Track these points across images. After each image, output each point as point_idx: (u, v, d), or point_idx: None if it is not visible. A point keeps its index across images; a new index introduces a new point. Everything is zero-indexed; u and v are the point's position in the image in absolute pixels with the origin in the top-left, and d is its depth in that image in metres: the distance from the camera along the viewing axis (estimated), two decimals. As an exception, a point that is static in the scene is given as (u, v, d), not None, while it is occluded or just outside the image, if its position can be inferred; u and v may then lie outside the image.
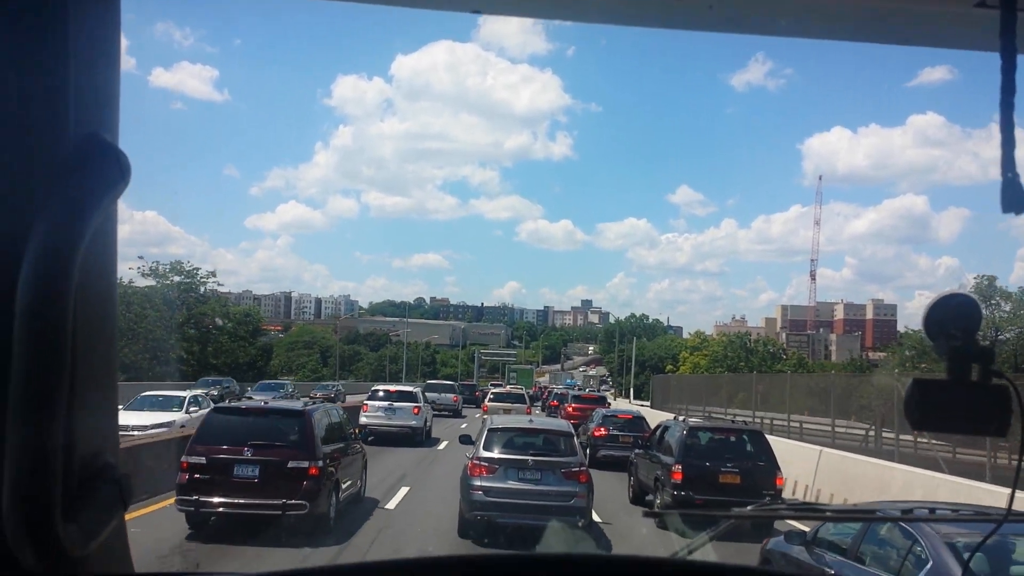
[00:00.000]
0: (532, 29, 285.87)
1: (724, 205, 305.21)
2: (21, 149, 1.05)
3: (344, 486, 12.84)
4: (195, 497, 11.01)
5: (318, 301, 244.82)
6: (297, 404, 13.52)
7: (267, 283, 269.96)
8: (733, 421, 18.12)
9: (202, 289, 54.38)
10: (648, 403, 47.05)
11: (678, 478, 14.29)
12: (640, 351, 77.27)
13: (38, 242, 0.98)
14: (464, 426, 30.01)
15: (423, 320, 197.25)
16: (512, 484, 11.78)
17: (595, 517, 13.11)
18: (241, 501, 11.10)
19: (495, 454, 12.18)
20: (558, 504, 11.66)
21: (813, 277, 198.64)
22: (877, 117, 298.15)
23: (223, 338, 52.01)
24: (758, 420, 25.23)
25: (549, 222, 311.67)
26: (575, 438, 13.18)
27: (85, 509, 1.05)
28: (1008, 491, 1.99)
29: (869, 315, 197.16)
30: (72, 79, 1.06)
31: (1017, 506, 1.86)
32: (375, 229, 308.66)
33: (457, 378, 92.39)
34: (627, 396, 62.05)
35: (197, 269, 53.91)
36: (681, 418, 17.59)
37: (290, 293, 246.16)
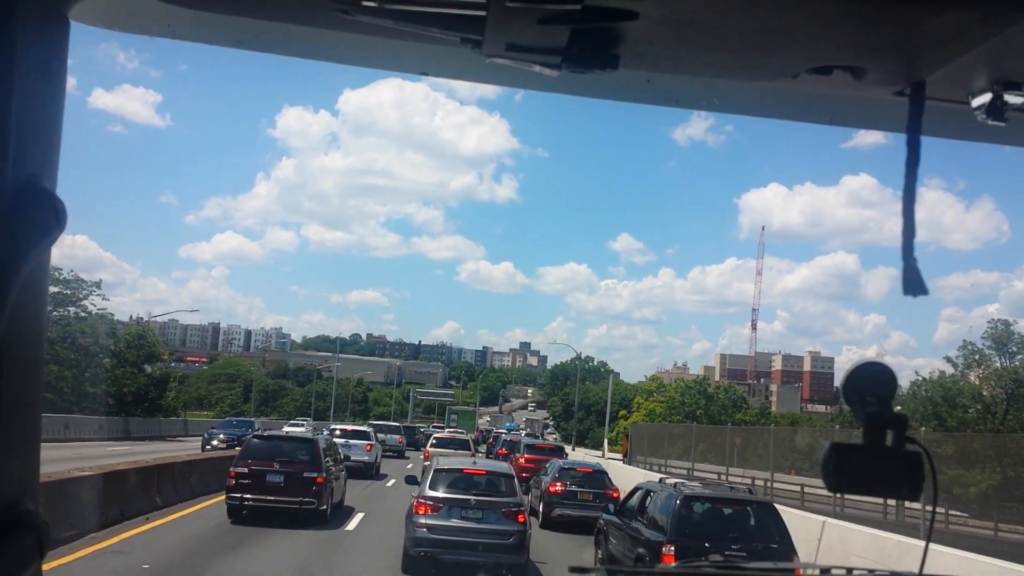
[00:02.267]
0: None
1: (663, 254, 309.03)
2: None
3: (336, 492, 18.02)
4: (239, 495, 15.99)
5: (248, 333, 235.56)
6: (309, 434, 20.52)
7: (199, 314, 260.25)
8: (731, 487, 14.61)
9: (89, 306, 46.91)
10: (599, 453, 43.01)
11: (669, 562, 10.85)
12: (585, 395, 73.74)
13: None
14: (409, 467, 31.25)
15: (357, 356, 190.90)
16: (455, 522, 12.23)
17: None
18: (271, 499, 16.00)
19: (439, 493, 12.61)
20: (498, 542, 12.19)
21: (754, 327, 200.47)
22: (812, 176, 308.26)
23: (106, 363, 44.59)
24: (745, 481, 21.81)
25: (491, 263, 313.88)
26: (516, 479, 13.60)
27: (0, 559, 1.03)
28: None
29: (806, 367, 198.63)
30: (14, 118, 1.02)
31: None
32: (314, 263, 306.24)
33: (390, 417, 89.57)
34: (576, 444, 57.19)
35: (81, 279, 46.85)
36: (670, 481, 13.83)
37: (218, 323, 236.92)
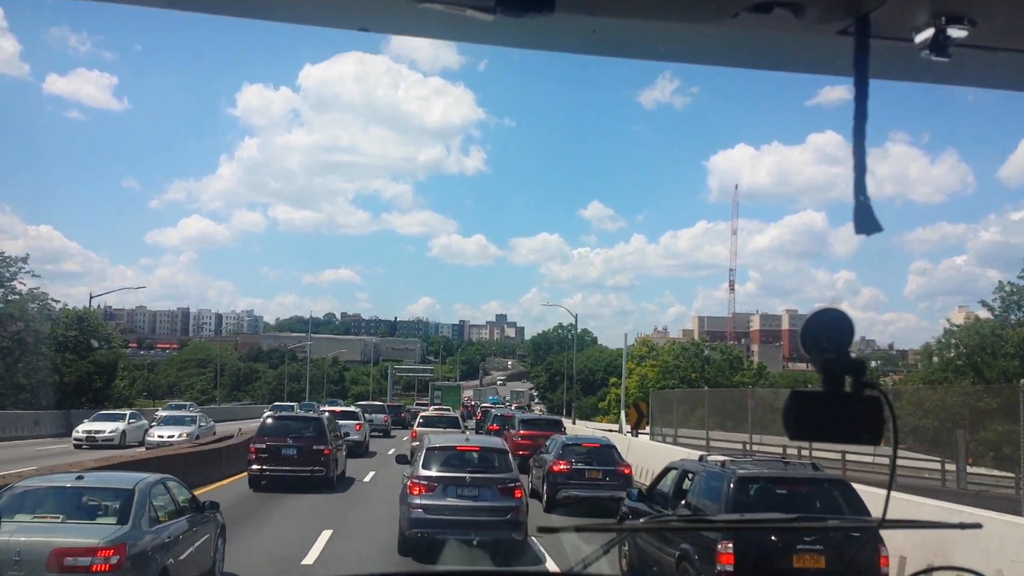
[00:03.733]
0: (443, 43, 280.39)
1: (634, 220, 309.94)
2: None
3: (340, 462, 21.48)
4: (259, 467, 19.23)
5: (219, 317, 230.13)
6: (315, 413, 24.44)
7: (169, 300, 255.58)
8: (786, 462, 12.10)
9: (17, 285, 41.07)
10: (614, 427, 40.30)
11: (728, 562, 9.03)
12: (568, 363, 71.15)
13: None
14: (391, 451, 31.27)
15: (332, 336, 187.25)
16: (451, 501, 12.06)
17: None
18: (287, 468, 19.10)
19: (433, 472, 12.34)
20: (495, 519, 11.95)
21: (732, 287, 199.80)
22: (779, 135, 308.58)
23: (43, 350, 38.69)
24: (775, 451, 19.46)
25: (462, 237, 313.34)
26: (509, 454, 13.34)
27: None
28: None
29: (785, 326, 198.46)
30: None
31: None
32: (283, 244, 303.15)
33: (369, 396, 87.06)
34: (569, 415, 54.11)
35: (3, 255, 40.95)
36: (713, 458, 11.33)
37: (187, 309, 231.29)
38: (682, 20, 1.30)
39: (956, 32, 1.21)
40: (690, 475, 11.08)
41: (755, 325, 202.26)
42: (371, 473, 23.20)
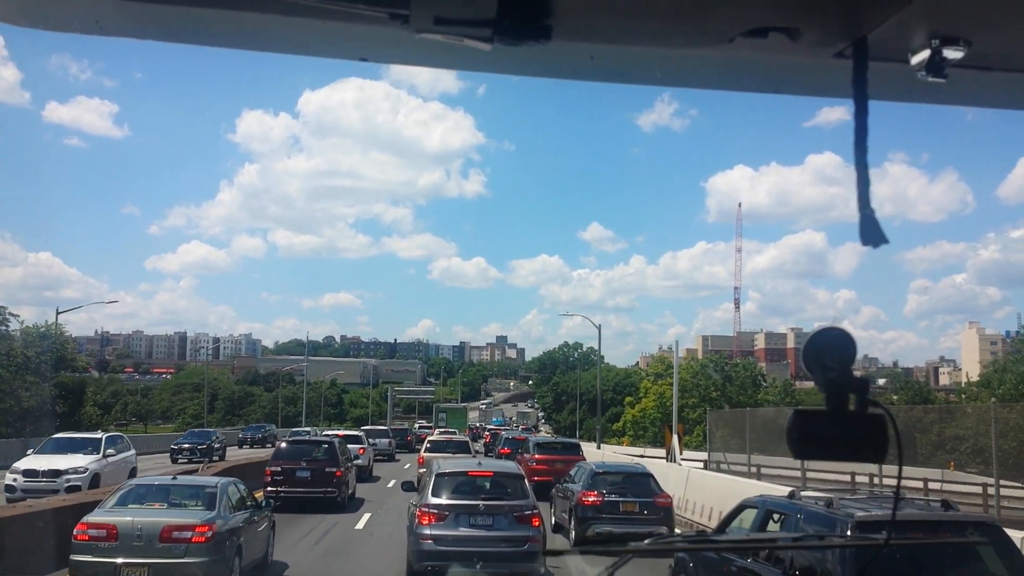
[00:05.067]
0: (442, 70, 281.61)
1: (633, 242, 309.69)
2: None
3: (350, 485, 22.23)
4: (274, 489, 19.41)
5: (216, 341, 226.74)
6: (329, 438, 23.66)
7: (169, 326, 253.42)
8: (905, 499, 9.61)
9: None
10: (639, 451, 37.40)
11: None
12: (575, 383, 68.09)
13: None
14: (405, 468, 31.87)
15: (331, 358, 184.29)
16: (463, 531, 11.34)
17: None
18: (301, 490, 19.73)
19: (444, 500, 11.62)
20: (512, 550, 11.27)
21: (737, 305, 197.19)
22: (778, 156, 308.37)
23: (2, 372, 34.87)
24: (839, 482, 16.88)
25: (462, 260, 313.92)
26: (525, 480, 12.50)
27: None
28: None
29: (790, 344, 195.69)
30: None
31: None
32: (284, 269, 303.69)
33: (369, 419, 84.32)
34: (590, 438, 49.90)
35: None
36: (809, 495, 8.77)
37: (184, 333, 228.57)
38: (679, 46, 1.30)
39: (952, 53, 1.22)
40: (778, 516, 8.60)
41: (760, 344, 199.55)
42: (365, 517, 19.61)
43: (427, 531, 11.24)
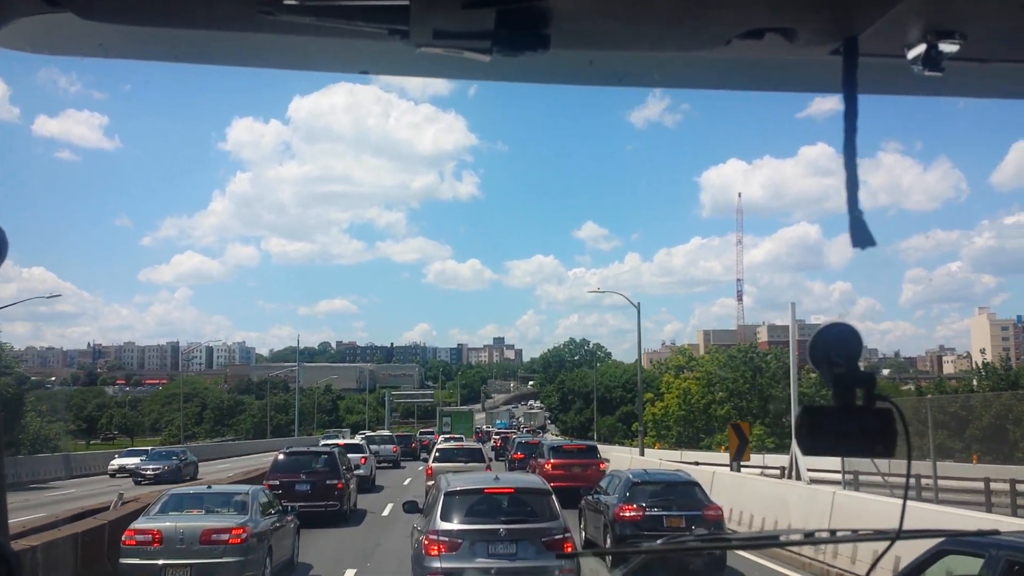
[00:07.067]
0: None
1: (628, 239, 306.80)
2: None
3: (353, 495, 21.69)
4: None
5: (209, 350, 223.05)
6: (328, 448, 22.53)
7: (164, 337, 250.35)
8: None
9: None
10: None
11: None
12: (583, 382, 64.78)
13: None
14: (407, 481, 30.38)
15: (326, 363, 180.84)
16: (481, 562, 9.71)
17: None
18: (301, 504, 18.04)
19: (456, 525, 9.97)
20: None
21: (740, 298, 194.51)
22: (770, 149, 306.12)
23: None
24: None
25: (457, 262, 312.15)
26: (552, 496, 10.70)
27: None
28: None
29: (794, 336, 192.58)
30: None
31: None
32: (278, 276, 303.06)
33: (365, 425, 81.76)
34: (608, 440, 46.20)
35: None
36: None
37: (176, 343, 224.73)
38: (676, 49, 1.32)
39: (947, 46, 1.23)
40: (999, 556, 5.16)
41: (763, 336, 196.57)
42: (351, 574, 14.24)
43: (436, 564, 9.66)
